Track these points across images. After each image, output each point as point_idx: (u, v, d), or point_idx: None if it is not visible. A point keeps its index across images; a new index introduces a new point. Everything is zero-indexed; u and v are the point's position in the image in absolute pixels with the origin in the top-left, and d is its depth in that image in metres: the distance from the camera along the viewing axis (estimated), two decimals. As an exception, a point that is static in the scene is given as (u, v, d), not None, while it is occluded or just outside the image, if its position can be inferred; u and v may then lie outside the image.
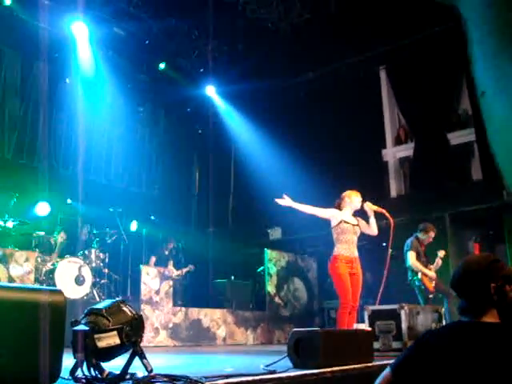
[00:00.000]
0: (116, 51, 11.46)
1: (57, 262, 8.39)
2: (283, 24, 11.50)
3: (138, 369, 2.95)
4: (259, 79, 12.09)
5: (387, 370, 2.28)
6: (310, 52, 11.79)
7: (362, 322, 6.43)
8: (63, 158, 10.91)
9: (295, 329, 4.41)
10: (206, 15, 11.12)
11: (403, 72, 11.77)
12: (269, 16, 11.35)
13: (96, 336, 2.79)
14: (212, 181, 13.89)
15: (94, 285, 8.79)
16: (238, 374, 3.27)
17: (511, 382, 1.96)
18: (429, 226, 7.85)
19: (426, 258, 7.75)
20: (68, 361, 2.88)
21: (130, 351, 2.91)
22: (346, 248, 6.11)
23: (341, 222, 6.16)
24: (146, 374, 2.90)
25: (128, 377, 2.85)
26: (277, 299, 11.02)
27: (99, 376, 2.87)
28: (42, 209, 9.40)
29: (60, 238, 9.20)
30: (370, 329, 5.69)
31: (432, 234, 7.80)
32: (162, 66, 12.20)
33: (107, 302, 3.01)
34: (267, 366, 3.82)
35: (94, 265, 9.02)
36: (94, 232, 9.63)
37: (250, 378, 3.12)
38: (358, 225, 6.27)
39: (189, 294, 11.23)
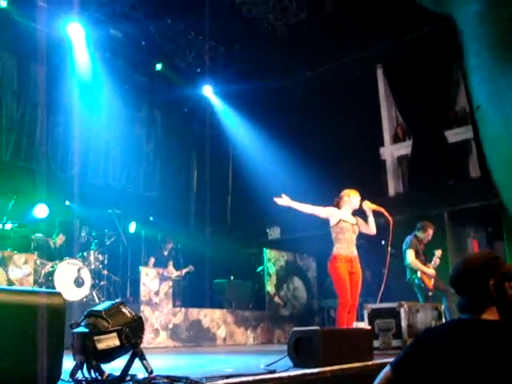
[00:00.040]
0: (112, 52, 11.45)
1: (56, 264, 8.38)
2: (279, 24, 11.50)
3: (138, 370, 2.95)
4: (256, 79, 12.09)
5: (387, 369, 2.28)
6: (307, 51, 11.79)
7: (362, 320, 6.44)
8: (61, 159, 10.91)
9: (295, 328, 4.41)
10: (202, 15, 11.09)
11: (400, 70, 11.78)
12: (265, 16, 11.35)
13: (96, 338, 2.78)
14: (210, 181, 13.88)
15: (93, 286, 8.78)
16: (239, 374, 3.27)
17: (511, 379, 1.96)
18: (427, 224, 7.85)
19: (425, 256, 7.75)
20: (68, 363, 2.88)
21: (130, 353, 2.91)
22: (345, 247, 6.10)
23: (340, 221, 6.16)
24: (147, 375, 2.90)
25: (128, 378, 2.85)
26: (276, 299, 11.02)
27: (99, 378, 2.86)
28: (41, 211, 9.40)
29: (59, 239, 9.20)
30: (369, 327, 5.69)
31: (430, 232, 7.81)
32: (158, 66, 12.20)
33: (107, 304, 3.01)
34: (267, 365, 3.82)
35: (93, 266, 9.01)
36: (93, 234, 9.62)
37: (250, 378, 3.12)
38: (356, 224, 6.27)
39: (188, 294, 11.23)
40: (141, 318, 3.01)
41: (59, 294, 2.87)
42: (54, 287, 7.96)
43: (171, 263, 10.47)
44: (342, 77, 12.08)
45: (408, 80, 11.52)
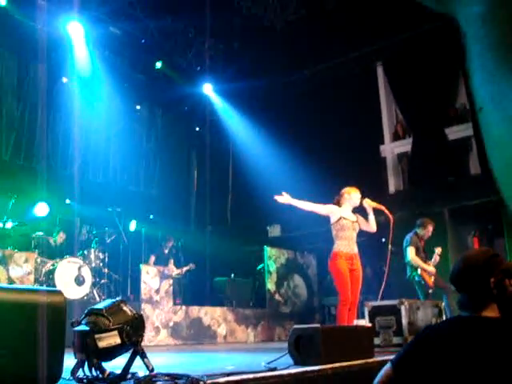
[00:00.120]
0: (112, 51, 11.44)
1: (56, 262, 8.39)
2: (279, 21, 11.49)
3: (139, 368, 2.95)
4: (256, 77, 12.08)
5: (388, 366, 2.29)
6: (307, 49, 11.79)
7: (363, 317, 6.44)
8: (61, 158, 10.91)
9: (296, 326, 4.41)
10: (202, 13, 11.10)
11: (400, 68, 11.77)
12: (265, 13, 11.34)
13: (97, 336, 2.79)
14: (210, 179, 13.89)
15: (93, 285, 8.78)
16: (240, 371, 3.27)
17: (511, 376, 1.96)
18: (426, 221, 7.85)
19: (425, 253, 7.76)
20: (69, 361, 2.88)
21: (131, 351, 2.91)
22: (346, 244, 6.11)
23: (340, 218, 6.16)
24: (147, 373, 2.90)
25: (129, 376, 2.85)
26: (277, 296, 11.03)
27: (100, 376, 2.87)
28: (41, 209, 9.40)
29: (59, 238, 9.20)
30: (370, 325, 5.70)
31: (430, 228, 7.80)
32: (158, 64, 12.18)
33: (107, 302, 3.01)
34: (268, 363, 3.82)
35: (93, 265, 9.01)
36: (93, 232, 9.63)
37: (251, 376, 3.13)
38: (357, 221, 6.27)
39: (189, 292, 11.23)
40: (141, 316, 3.01)
41: (60, 293, 2.88)
42: (54, 285, 7.96)
43: (172, 261, 10.48)
44: (342, 74, 12.08)
45: (408, 77, 11.52)
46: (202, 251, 12.46)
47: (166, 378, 2.79)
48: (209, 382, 2.80)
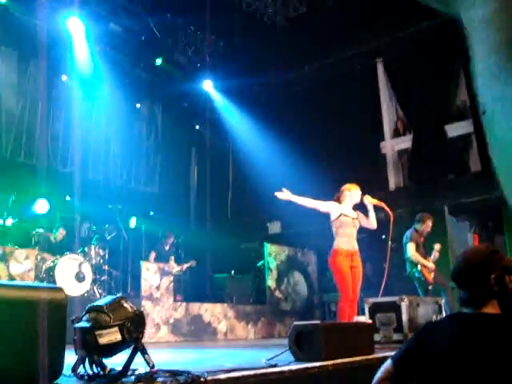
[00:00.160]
0: (113, 47, 11.42)
1: (57, 259, 8.39)
2: (280, 18, 11.48)
3: (139, 365, 2.95)
4: (256, 73, 12.08)
5: (388, 362, 2.29)
6: (307, 46, 11.77)
7: (363, 314, 6.45)
8: (61, 155, 10.91)
9: (296, 322, 4.42)
10: (202, 10, 11.08)
11: (401, 64, 11.75)
12: (265, 10, 11.32)
13: (97, 332, 2.79)
14: (210, 176, 13.90)
15: (94, 281, 8.78)
16: (240, 368, 3.28)
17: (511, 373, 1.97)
18: (425, 216, 7.85)
19: (425, 249, 7.76)
20: (70, 358, 2.89)
21: (132, 347, 2.91)
22: (346, 241, 6.11)
23: (340, 215, 6.16)
24: (148, 369, 2.91)
25: (130, 373, 2.85)
26: (277, 293, 11.04)
27: (101, 372, 2.87)
28: (41, 206, 9.40)
29: (59, 234, 9.20)
30: (370, 321, 5.70)
31: (429, 223, 7.80)
32: (158, 61, 12.15)
33: (108, 299, 3.01)
34: (269, 359, 3.83)
35: (93, 262, 9.01)
36: (94, 229, 9.62)
37: (251, 372, 3.13)
38: (357, 218, 6.27)
39: (189, 289, 11.24)
40: (142, 312, 3.01)
41: (61, 289, 2.88)
42: (55, 282, 7.96)
43: (173, 258, 10.48)
44: (343, 71, 12.06)
45: (408, 74, 11.50)
46: (202, 248, 12.47)
47: (167, 374, 2.80)
48: (209, 378, 2.81)
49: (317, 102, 12.39)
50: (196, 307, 9.48)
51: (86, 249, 9.11)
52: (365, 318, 6.13)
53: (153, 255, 10.42)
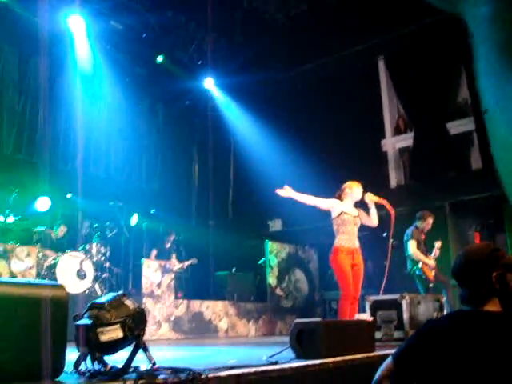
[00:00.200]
0: (113, 45, 11.41)
1: (58, 256, 8.40)
2: (281, 15, 11.46)
3: (141, 362, 2.96)
4: (258, 71, 12.07)
5: (389, 360, 2.29)
6: (309, 43, 11.76)
7: (364, 312, 6.45)
8: (62, 152, 10.91)
9: (297, 320, 4.42)
10: (203, 7, 11.07)
11: (402, 62, 11.74)
12: (266, 7, 11.31)
13: (99, 330, 2.79)
14: (212, 173, 13.90)
15: (95, 279, 8.79)
16: (241, 365, 3.28)
17: (513, 370, 1.97)
18: (426, 213, 7.86)
19: (426, 247, 7.77)
20: (72, 355, 2.89)
21: (133, 344, 2.92)
22: (347, 239, 6.11)
23: (341, 213, 6.16)
24: (149, 366, 2.91)
25: (131, 370, 2.85)
26: (278, 291, 11.05)
27: (102, 369, 2.87)
28: (43, 204, 9.40)
29: (60, 231, 9.21)
30: (371, 319, 5.71)
31: (430, 221, 7.80)
32: (159, 59, 12.13)
33: (109, 296, 3.01)
34: (270, 356, 3.83)
35: (95, 259, 9.02)
36: (95, 226, 9.62)
37: (252, 370, 3.13)
38: (358, 216, 6.27)
39: (190, 286, 11.25)
40: (143, 309, 3.01)
41: (62, 287, 2.89)
42: (56, 280, 7.97)
43: (174, 256, 10.49)
44: (344, 68, 12.06)
45: (410, 72, 11.50)
46: (203, 245, 12.47)
47: (168, 371, 2.80)
48: (210, 375, 2.81)
49: (318, 99, 12.39)
50: (197, 305, 9.49)
51: (88, 246, 9.12)
52: (366, 316, 6.13)
53: (154, 253, 10.43)
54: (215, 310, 9.71)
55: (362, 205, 6.39)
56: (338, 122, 11.86)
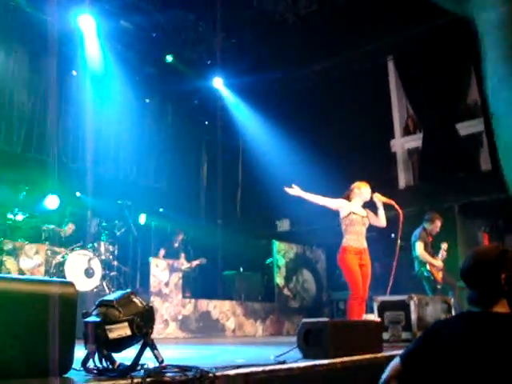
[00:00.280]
0: (123, 44, 11.46)
1: (66, 254, 8.44)
2: (291, 15, 11.46)
3: (148, 360, 2.97)
4: (267, 71, 12.06)
5: (397, 361, 2.29)
6: (318, 43, 11.75)
7: (371, 312, 6.44)
8: (72, 151, 10.96)
9: (305, 320, 4.42)
10: (212, 7, 11.10)
11: (411, 62, 11.71)
12: (276, 7, 11.31)
13: (107, 327, 2.80)
14: (220, 173, 13.90)
15: (103, 277, 8.82)
16: (249, 364, 3.29)
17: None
18: (434, 216, 7.83)
19: (433, 249, 7.74)
20: (80, 352, 2.91)
21: (141, 342, 2.93)
22: (355, 239, 6.10)
23: (350, 213, 6.15)
24: (157, 364, 2.92)
25: (139, 367, 2.86)
26: (286, 291, 11.04)
27: (110, 367, 2.88)
28: (52, 202, 9.45)
29: (68, 229, 9.24)
30: (379, 319, 5.70)
31: (438, 223, 7.78)
32: (169, 58, 12.16)
33: (118, 294, 3.02)
34: (277, 356, 3.83)
35: (103, 257, 9.05)
36: (103, 225, 9.66)
37: (260, 369, 3.14)
38: (366, 216, 6.26)
39: (198, 285, 11.26)
40: (152, 307, 3.02)
41: (71, 284, 2.90)
42: (64, 277, 8.00)
43: (183, 255, 10.52)
44: (353, 69, 12.04)
45: (419, 72, 11.46)
46: (211, 245, 12.47)
47: (176, 369, 2.80)
48: (218, 374, 2.82)
49: (327, 99, 12.37)
50: (204, 304, 9.50)
51: (96, 244, 9.15)
52: (373, 317, 6.12)
53: (162, 252, 10.45)
54: (223, 310, 9.72)
55: (370, 205, 6.38)
56: (347, 122, 11.83)
